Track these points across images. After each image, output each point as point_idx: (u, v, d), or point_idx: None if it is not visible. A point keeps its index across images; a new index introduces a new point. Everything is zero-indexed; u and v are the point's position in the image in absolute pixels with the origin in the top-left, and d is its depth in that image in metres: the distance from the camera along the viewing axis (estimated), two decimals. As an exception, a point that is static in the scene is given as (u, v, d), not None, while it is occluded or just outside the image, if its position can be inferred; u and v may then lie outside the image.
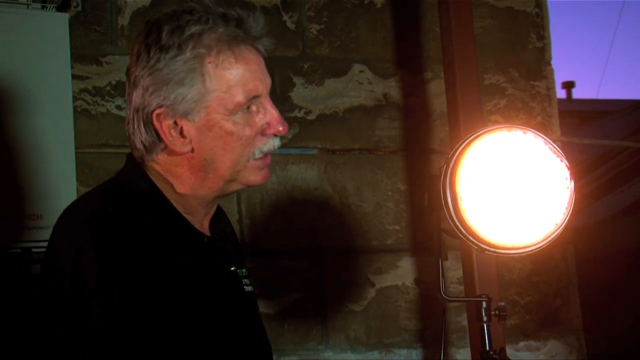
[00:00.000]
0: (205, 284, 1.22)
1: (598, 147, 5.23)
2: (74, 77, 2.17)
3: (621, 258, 4.24)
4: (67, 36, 2.12)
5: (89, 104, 2.28)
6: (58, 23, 2.12)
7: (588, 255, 3.64)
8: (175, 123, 1.22)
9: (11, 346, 1.73)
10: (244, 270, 1.36)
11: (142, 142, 1.25)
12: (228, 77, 1.22)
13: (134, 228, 1.16)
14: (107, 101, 2.29)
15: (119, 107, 2.28)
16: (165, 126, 1.22)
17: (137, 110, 1.24)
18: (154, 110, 1.21)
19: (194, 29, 1.20)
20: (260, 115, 1.24)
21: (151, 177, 1.27)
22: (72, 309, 1.07)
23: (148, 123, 1.22)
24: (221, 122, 1.23)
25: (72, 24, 2.18)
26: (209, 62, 1.21)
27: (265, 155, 1.25)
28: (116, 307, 1.07)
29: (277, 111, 1.25)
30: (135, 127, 1.25)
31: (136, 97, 1.24)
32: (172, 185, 1.26)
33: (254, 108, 1.23)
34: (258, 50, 1.26)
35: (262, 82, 1.24)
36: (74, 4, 2.25)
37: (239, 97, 1.22)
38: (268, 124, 1.23)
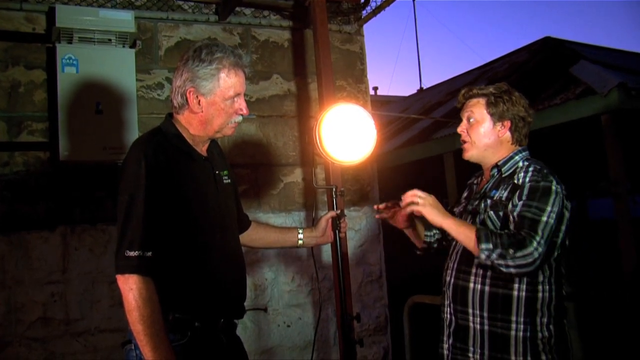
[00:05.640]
0: (200, 177, 1.50)
1: (388, 116, 6.83)
2: (137, 80, 2.86)
3: (402, 167, 5.65)
4: (134, 60, 2.87)
5: (144, 92, 3.00)
6: (129, 54, 2.87)
7: (384, 166, 5.00)
8: (197, 97, 1.48)
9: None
10: (225, 171, 1.63)
11: (177, 103, 1.51)
12: (229, 82, 1.49)
13: (165, 150, 1.44)
14: (153, 91, 3.00)
15: (159, 95, 2.99)
16: (191, 97, 1.48)
17: (179, 87, 1.51)
18: (188, 88, 1.48)
19: (218, 54, 1.49)
20: (237, 104, 1.53)
21: (177, 125, 1.52)
22: (137, 185, 1.37)
23: (183, 94, 1.49)
24: (219, 103, 1.49)
25: (136, 54, 2.88)
26: (223, 73, 1.49)
27: (236, 123, 1.56)
28: (153, 185, 1.38)
29: (245, 103, 1.55)
30: (175, 95, 1.52)
31: (180, 80, 1.50)
32: (188, 129, 1.52)
33: (235, 99, 1.52)
34: (244, 72, 1.55)
35: (242, 88, 1.53)
36: (137, 44, 3.00)
37: (231, 93, 1.50)
38: (240, 108, 1.54)
